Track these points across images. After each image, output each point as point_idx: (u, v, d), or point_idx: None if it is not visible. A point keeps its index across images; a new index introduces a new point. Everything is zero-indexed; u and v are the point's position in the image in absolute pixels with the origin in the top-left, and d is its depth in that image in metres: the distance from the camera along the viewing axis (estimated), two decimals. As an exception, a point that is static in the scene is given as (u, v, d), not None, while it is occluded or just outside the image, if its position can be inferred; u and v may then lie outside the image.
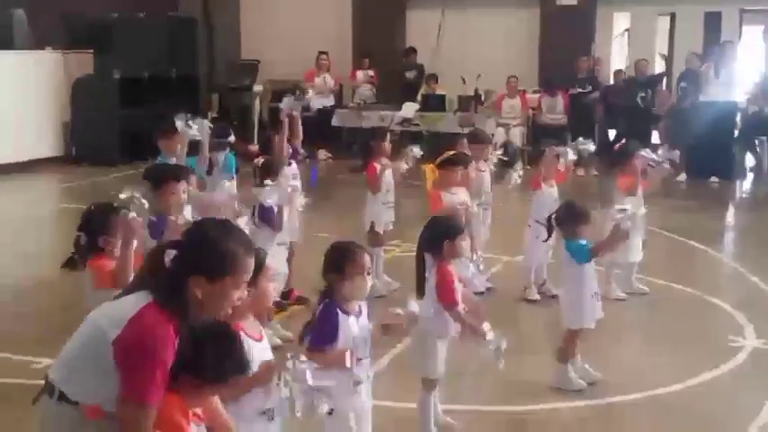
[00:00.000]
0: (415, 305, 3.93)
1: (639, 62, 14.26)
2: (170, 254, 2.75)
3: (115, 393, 2.67)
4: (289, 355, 3.15)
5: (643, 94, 13.74)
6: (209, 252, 2.75)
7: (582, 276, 5.48)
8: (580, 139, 8.09)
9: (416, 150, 7.50)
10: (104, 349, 2.67)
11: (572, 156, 7.40)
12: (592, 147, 8.40)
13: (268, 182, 6.03)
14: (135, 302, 2.73)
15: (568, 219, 5.54)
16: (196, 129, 6.83)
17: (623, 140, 8.23)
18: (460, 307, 4.57)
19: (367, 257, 3.85)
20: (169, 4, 16.40)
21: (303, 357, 3.19)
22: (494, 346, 4.41)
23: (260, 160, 6.60)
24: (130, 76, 14.13)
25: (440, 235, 4.69)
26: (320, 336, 3.73)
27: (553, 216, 5.70)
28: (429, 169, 6.67)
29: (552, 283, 7.20)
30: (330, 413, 3.72)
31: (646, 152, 7.27)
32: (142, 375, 2.64)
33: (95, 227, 4.41)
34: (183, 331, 2.73)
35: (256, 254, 3.44)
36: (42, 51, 14.06)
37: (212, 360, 2.80)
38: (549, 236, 5.86)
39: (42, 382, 2.86)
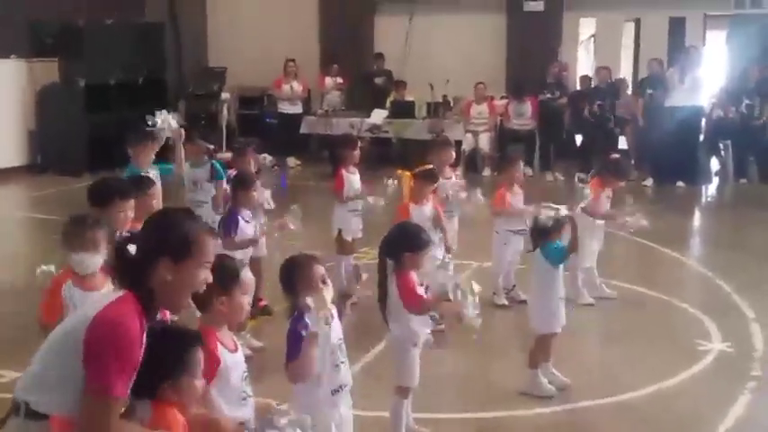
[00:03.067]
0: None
1: (600, 70, 14.37)
2: (131, 246, 2.79)
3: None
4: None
5: (600, 102, 13.84)
6: (172, 234, 2.78)
7: (553, 281, 5.52)
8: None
9: (390, 183, 7.42)
10: (75, 349, 2.64)
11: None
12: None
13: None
14: (102, 299, 2.79)
15: (543, 233, 5.56)
16: (160, 121, 6.72)
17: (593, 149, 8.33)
18: (425, 298, 4.55)
19: (319, 267, 3.77)
20: (136, 10, 16.28)
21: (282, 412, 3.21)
22: (472, 313, 4.36)
23: (232, 172, 6.62)
24: (97, 82, 14.02)
25: (400, 246, 4.65)
26: (295, 350, 3.68)
27: (532, 225, 5.74)
28: (406, 177, 6.68)
29: (521, 289, 7.24)
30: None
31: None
32: (107, 367, 2.60)
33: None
34: (150, 328, 2.75)
35: (232, 265, 3.44)
36: (7, 60, 13.90)
37: (173, 351, 2.85)
38: (535, 247, 5.71)
39: (9, 396, 2.82)
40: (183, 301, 2.86)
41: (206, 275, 2.84)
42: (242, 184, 6.36)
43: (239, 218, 6.19)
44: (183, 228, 2.81)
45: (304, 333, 3.60)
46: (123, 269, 2.81)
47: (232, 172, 6.98)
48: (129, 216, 4.81)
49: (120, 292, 2.76)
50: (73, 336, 2.68)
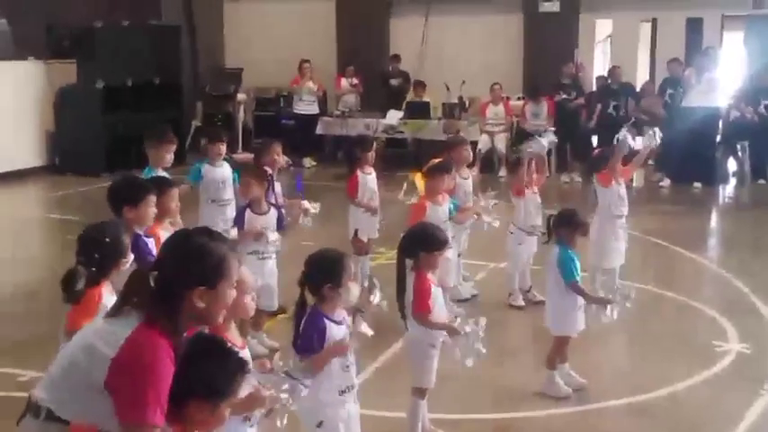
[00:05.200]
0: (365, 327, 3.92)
1: (614, 69, 14.32)
2: (154, 275, 2.73)
3: (104, 411, 2.62)
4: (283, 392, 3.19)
5: (615, 103, 13.81)
6: (205, 262, 2.73)
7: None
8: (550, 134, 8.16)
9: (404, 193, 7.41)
10: (99, 369, 2.62)
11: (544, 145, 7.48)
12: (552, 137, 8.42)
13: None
14: (127, 323, 2.69)
15: (567, 224, 5.55)
16: None
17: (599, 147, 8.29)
18: (433, 315, 4.58)
19: (351, 264, 3.92)
20: (152, 12, 16.36)
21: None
22: (470, 341, 4.42)
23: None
24: (114, 84, 14.10)
25: (416, 245, 4.67)
26: (309, 344, 3.73)
27: (552, 218, 5.70)
28: (417, 177, 6.68)
29: (537, 290, 7.23)
30: (320, 425, 3.76)
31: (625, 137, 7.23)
32: (144, 395, 2.58)
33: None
34: (178, 349, 2.70)
35: None
36: (25, 61, 14.01)
37: (217, 377, 2.73)
38: (549, 238, 5.80)
39: (26, 395, 2.84)
40: (217, 318, 2.83)
41: (234, 293, 2.83)
42: (256, 176, 6.35)
43: (248, 211, 6.17)
44: (213, 253, 2.75)
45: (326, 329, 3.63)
46: (146, 298, 2.72)
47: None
48: (154, 213, 4.84)
49: (133, 322, 2.67)
50: (87, 371, 2.65)
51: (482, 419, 5.32)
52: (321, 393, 3.77)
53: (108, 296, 3.77)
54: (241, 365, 2.83)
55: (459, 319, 4.59)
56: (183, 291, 2.70)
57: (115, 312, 2.78)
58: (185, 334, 2.80)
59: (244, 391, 2.94)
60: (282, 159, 7.42)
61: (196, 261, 2.73)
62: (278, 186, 7.05)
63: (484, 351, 4.49)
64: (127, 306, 2.75)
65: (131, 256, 4.03)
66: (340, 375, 3.82)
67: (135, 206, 4.70)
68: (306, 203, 6.68)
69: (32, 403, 2.77)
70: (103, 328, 2.75)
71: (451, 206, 6.62)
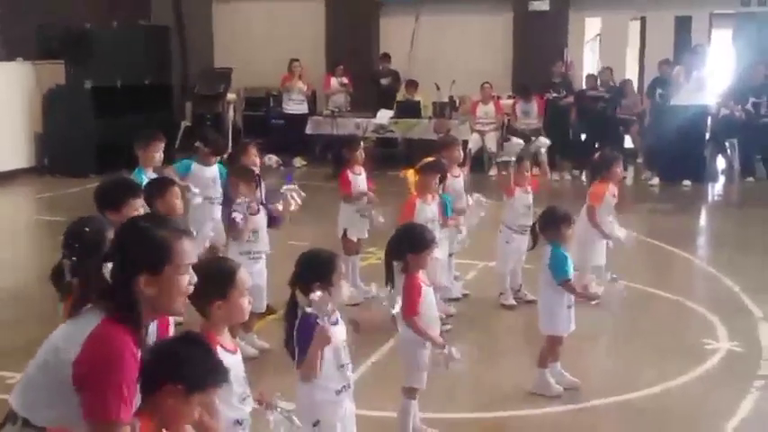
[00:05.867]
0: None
1: (603, 71, 14.36)
2: (107, 266, 2.70)
3: (79, 414, 2.59)
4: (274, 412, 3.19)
5: (603, 105, 13.86)
6: (144, 247, 2.68)
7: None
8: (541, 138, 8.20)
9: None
10: (64, 371, 2.59)
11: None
12: (546, 141, 8.47)
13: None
14: (87, 321, 2.65)
15: (550, 222, 5.58)
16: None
17: (597, 147, 8.32)
18: (422, 316, 4.60)
19: (341, 264, 3.93)
20: (141, 12, 16.32)
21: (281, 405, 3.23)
22: (448, 354, 4.51)
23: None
24: (103, 85, 14.05)
25: (404, 247, 4.69)
26: (306, 346, 3.72)
27: (536, 224, 5.75)
28: (410, 174, 6.69)
29: (528, 289, 7.23)
30: (316, 424, 3.76)
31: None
32: (109, 393, 2.55)
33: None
34: (141, 343, 2.68)
35: (226, 268, 3.43)
36: (14, 62, 13.96)
37: (196, 365, 2.72)
38: (535, 244, 5.83)
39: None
40: (175, 306, 2.77)
41: (190, 278, 2.75)
42: (243, 177, 6.33)
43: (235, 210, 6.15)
44: (154, 237, 2.69)
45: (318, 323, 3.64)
46: (101, 290, 2.70)
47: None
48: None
49: (94, 318, 2.64)
50: (55, 369, 2.62)
51: (473, 419, 5.32)
52: (317, 393, 3.77)
53: None
54: (221, 367, 2.80)
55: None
56: (129, 279, 2.66)
57: (76, 312, 2.74)
58: (149, 326, 2.78)
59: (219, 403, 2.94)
60: (270, 160, 7.40)
61: (137, 246, 2.70)
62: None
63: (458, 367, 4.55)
64: (87, 304, 2.72)
65: None
66: (336, 375, 3.82)
67: (117, 210, 4.52)
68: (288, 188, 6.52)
69: (10, 411, 2.75)
70: (65, 329, 2.73)
71: (447, 201, 6.70)
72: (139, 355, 2.64)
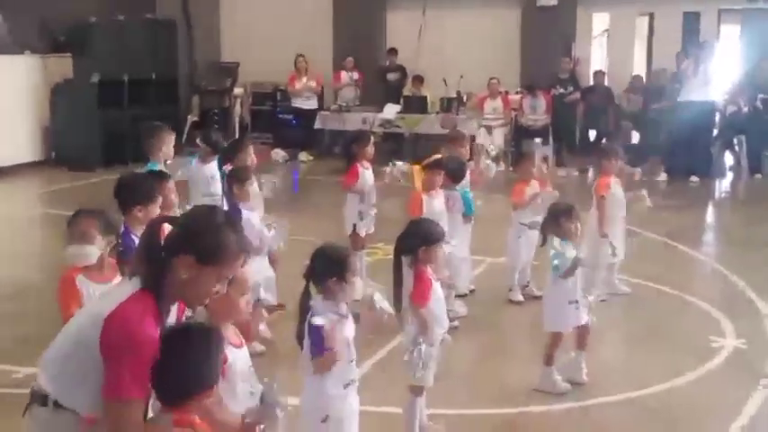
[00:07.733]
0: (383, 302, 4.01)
1: (598, 74, 14.57)
2: (166, 228, 2.76)
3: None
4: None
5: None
6: (208, 235, 2.71)
7: (564, 282, 5.49)
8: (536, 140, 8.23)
9: (400, 165, 7.48)
10: (89, 348, 2.62)
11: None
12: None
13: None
14: (114, 295, 2.71)
15: (553, 219, 5.57)
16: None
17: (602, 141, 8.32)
18: (427, 310, 4.60)
19: (355, 260, 4.00)
20: (148, 6, 16.31)
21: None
22: (420, 357, 4.49)
23: (228, 168, 6.67)
24: (110, 79, 14.06)
25: (415, 241, 4.70)
26: (320, 343, 3.74)
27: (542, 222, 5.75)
28: (416, 170, 6.69)
29: (536, 285, 7.23)
30: (325, 420, 3.77)
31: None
32: (121, 370, 2.58)
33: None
34: (163, 317, 2.70)
35: None
36: (21, 56, 13.98)
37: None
38: (545, 241, 5.82)
39: (23, 391, 2.82)
40: (194, 302, 2.83)
41: (220, 288, 2.78)
42: (236, 178, 6.35)
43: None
44: (222, 235, 2.73)
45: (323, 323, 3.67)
46: (143, 254, 2.74)
47: (227, 167, 6.98)
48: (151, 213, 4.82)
49: (132, 288, 2.68)
50: (86, 336, 2.65)
51: (481, 415, 5.31)
52: (328, 387, 3.79)
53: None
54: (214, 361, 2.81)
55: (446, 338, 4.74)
56: (173, 254, 2.69)
57: (130, 274, 2.79)
58: (170, 308, 2.79)
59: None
60: (278, 155, 7.42)
61: (202, 234, 2.72)
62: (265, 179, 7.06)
63: (421, 375, 4.51)
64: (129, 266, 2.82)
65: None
66: (346, 368, 3.85)
67: (146, 206, 4.69)
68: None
69: (36, 392, 2.75)
70: (93, 305, 2.81)
71: (467, 198, 6.86)
72: (159, 332, 2.66)
